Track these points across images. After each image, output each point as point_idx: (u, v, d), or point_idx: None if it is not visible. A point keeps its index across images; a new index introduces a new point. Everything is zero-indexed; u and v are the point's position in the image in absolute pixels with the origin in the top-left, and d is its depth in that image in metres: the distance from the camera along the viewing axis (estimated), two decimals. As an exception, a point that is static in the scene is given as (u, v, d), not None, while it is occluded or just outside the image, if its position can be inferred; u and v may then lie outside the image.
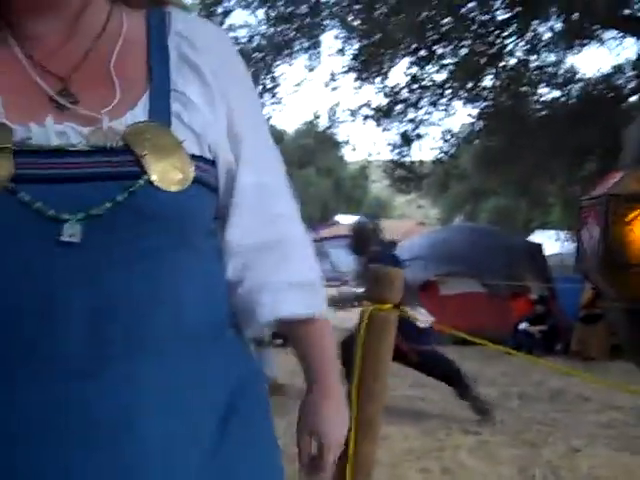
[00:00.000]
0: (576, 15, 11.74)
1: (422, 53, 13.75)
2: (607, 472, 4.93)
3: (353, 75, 13.92)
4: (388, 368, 2.28)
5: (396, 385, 7.33)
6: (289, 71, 25.54)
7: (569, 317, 11.49)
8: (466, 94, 14.39)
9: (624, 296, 1.48)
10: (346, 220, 36.75)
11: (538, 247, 13.62)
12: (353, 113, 14.49)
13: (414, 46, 13.45)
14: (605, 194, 1.43)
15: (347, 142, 17.87)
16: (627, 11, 12.92)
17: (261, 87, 14.29)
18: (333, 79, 14.08)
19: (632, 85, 15.20)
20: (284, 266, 1.19)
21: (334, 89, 14.18)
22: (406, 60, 14.00)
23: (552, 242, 21.84)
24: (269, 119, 15.82)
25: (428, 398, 7.54)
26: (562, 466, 5.20)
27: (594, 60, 16.69)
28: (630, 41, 14.02)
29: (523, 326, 11.36)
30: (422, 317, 6.18)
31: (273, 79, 14.33)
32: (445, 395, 7.63)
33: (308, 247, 1.27)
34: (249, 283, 1.17)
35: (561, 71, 14.52)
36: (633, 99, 15.54)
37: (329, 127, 15.84)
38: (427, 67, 14.03)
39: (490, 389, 8.09)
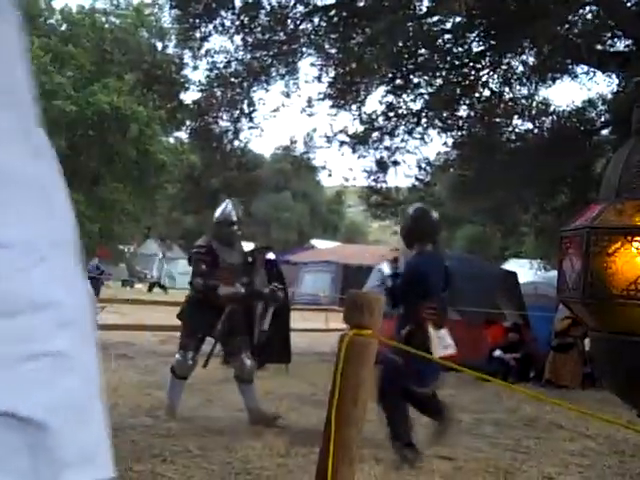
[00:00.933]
0: (547, 49, 11.96)
1: (398, 82, 13.92)
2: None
3: (329, 102, 14.04)
4: (368, 393, 2.30)
5: (370, 408, 7.30)
6: (266, 97, 25.76)
7: (542, 345, 11.59)
8: (441, 123, 14.57)
9: (605, 326, 1.51)
10: (322, 245, 36.91)
11: (513, 275, 13.73)
12: (329, 139, 14.62)
13: (390, 75, 13.61)
14: (586, 226, 1.48)
15: (323, 167, 17.91)
16: (599, 47, 13.21)
17: (239, 112, 14.37)
18: (310, 105, 14.20)
19: (603, 119, 15.50)
20: None
21: (310, 115, 14.30)
22: (382, 88, 14.18)
23: (525, 270, 22.04)
24: (247, 143, 15.89)
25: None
26: (536, 493, 5.23)
27: (566, 93, 16.98)
28: (601, 76, 14.25)
29: (497, 353, 11.42)
30: (440, 344, 5.82)
31: (251, 104, 14.40)
32: (418, 420, 7.66)
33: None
34: None
35: (534, 104, 14.74)
36: (604, 132, 15.83)
37: (305, 152, 15.95)
38: (403, 96, 14.20)
39: (464, 415, 8.11)
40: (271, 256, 8.25)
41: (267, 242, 39.80)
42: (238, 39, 13.90)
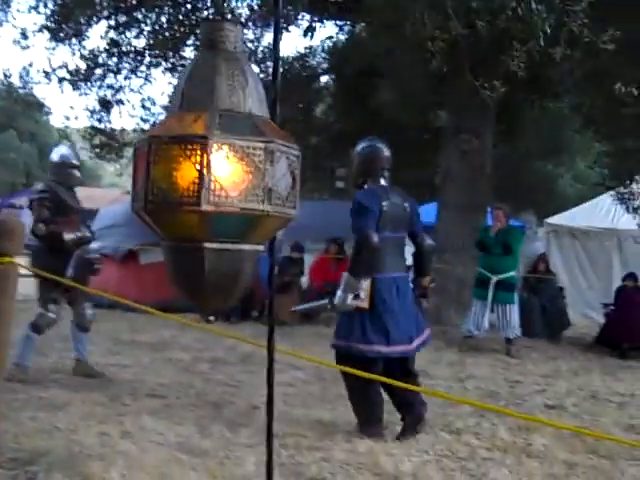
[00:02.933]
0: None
1: (121, 18, 13.44)
2: (280, 425, 5.22)
3: (47, 34, 13.23)
4: (9, 324, 2.23)
5: (89, 353, 7.17)
6: None
7: (264, 284, 11.99)
8: (166, 63, 14.33)
9: (170, 234, 1.60)
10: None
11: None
12: (48, 75, 13.79)
13: (112, 10, 13.10)
14: (149, 135, 1.55)
15: (42, 105, 16.95)
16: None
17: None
18: (25, 37, 13.27)
19: (325, 66, 16.19)
20: None
21: (25, 48, 13.36)
22: (104, 23, 13.60)
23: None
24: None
25: (121, 364, 7.49)
26: (239, 423, 5.43)
27: (293, 41, 17.38)
28: (320, 25, 14.71)
29: (219, 293, 11.66)
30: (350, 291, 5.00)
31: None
32: (138, 362, 7.66)
33: None
34: None
35: (260, 48, 14.94)
36: (324, 79, 16.55)
37: (22, 87, 14.96)
38: (126, 33, 13.75)
39: (183, 354, 8.25)
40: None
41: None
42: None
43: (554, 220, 15.28)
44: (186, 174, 1.56)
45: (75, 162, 7.07)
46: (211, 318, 1.74)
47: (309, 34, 13.43)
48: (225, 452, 4.64)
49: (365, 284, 5.05)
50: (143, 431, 5.01)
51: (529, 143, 18.19)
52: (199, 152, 1.53)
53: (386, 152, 5.42)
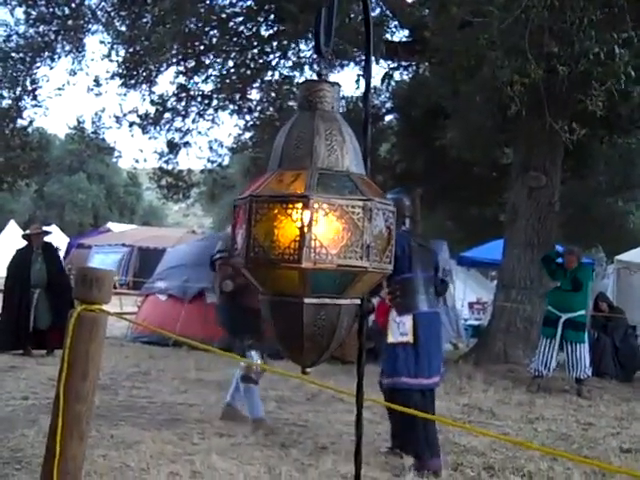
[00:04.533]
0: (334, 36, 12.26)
1: (189, 63, 13.80)
2: (350, 466, 5.20)
3: (118, 81, 13.66)
4: (98, 368, 2.31)
5: (155, 392, 7.27)
6: (51, 74, 24.03)
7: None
8: (233, 106, 14.62)
9: (268, 289, 1.64)
10: (118, 227, 35.81)
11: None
12: (119, 119, 14.21)
13: (181, 56, 13.47)
14: (250, 195, 1.59)
15: (113, 148, 17.45)
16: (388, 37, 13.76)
17: (21, 89, 13.65)
18: (97, 84, 13.72)
19: (388, 105, 16.32)
20: None
21: (98, 95, 13.81)
22: (173, 69, 14.00)
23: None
24: (31, 122, 15.16)
25: (188, 403, 7.55)
26: (308, 463, 5.43)
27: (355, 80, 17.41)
28: (384, 64, 14.80)
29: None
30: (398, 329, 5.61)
31: (34, 81, 13.71)
32: (205, 401, 7.71)
33: None
34: None
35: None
36: (388, 118, 16.65)
37: (94, 132, 15.41)
38: (194, 77, 14.11)
39: (249, 394, 8.27)
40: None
41: (61, 225, 38.35)
42: (20, 12, 13.22)
43: (625, 257, 14.95)
44: (287, 232, 1.61)
45: None
46: (308, 370, 1.77)
47: (386, 81, 13.60)
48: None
49: (408, 321, 5.51)
50: (213, 471, 5.04)
51: (599, 179, 17.93)
52: (300, 211, 1.58)
53: (407, 202, 5.92)
